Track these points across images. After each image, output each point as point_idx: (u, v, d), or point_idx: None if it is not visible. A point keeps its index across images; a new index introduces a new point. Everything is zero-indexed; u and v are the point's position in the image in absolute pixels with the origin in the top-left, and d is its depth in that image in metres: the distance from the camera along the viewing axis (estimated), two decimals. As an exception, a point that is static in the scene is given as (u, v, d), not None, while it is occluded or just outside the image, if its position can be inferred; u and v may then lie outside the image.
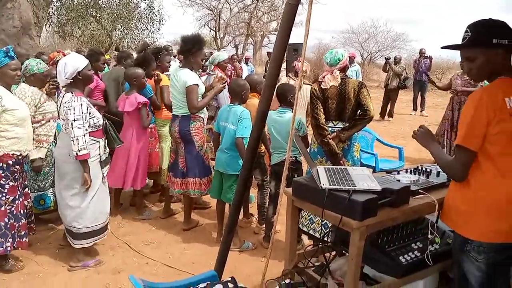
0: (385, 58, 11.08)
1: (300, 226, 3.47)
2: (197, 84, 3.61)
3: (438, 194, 2.03)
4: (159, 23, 19.08)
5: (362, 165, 5.10)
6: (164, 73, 4.48)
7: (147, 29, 18.77)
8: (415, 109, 11.66)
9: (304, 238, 3.60)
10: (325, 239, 2.33)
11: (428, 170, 2.28)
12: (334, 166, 2.23)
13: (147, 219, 4.17)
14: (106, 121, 3.26)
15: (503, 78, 1.75)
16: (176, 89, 3.69)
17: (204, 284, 1.75)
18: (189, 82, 3.57)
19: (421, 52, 11.25)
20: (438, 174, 2.24)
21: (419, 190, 2.02)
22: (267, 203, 3.70)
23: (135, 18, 18.12)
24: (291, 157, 3.27)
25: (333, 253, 2.22)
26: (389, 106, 10.55)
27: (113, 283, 3.05)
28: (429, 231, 2.01)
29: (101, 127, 3.15)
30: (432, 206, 1.94)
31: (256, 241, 3.68)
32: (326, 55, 3.21)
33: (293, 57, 7.97)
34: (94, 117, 3.06)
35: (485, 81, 1.87)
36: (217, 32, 24.68)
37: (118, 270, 3.24)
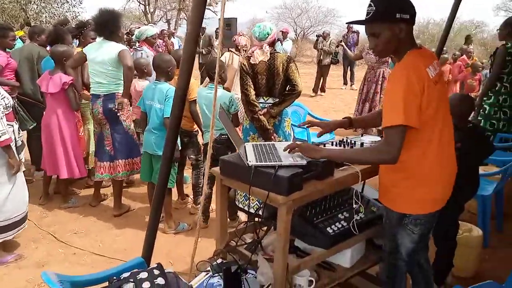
0: (316, 35, 11.27)
1: (237, 203, 3.47)
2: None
3: (360, 165, 2.08)
4: (81, -5, 17.66)
5: (294, 139, 5.21)
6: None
7: (68, 2, 17.28)
8: (345, 83, 12.08)
9: (242, 214, 3.61)
10: (260, 214, 2.32)
11: (353, 142, 2.33)
12: (262, 143, 2.21)
13: (74, 207, 3.92)
14: (13, 101, 2.96)
15: (413, 51, 1.77)
16: (98, 64, 3.45)
17: (128, 273, 1.66)
18: (120, 48, 3.46)
19: (349, 27, 11.57)
20: (362, 145, 2.30)
21: (343, 162, 2.05)
22: (202, 182, 3.64)
23: (52, -10, 16.59)
24: (223, 134, 3.22)
25: (266, 228, 2.24)
26: (321, 81, 10.80)
27: (37, 277, 2.83)
28: (353, 201, 2.08)
29: (11, 109, 2.86)
30: (356, 176, 1.99)
31: (192, 222, 3.62)
32: (255, 29, 3.14)
33: (226, 32, 7.80)
34: (4, 97, 2.77)
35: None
36: (147, 7, 23.51)
37: (42, 264, 3.03)
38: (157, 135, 3.31)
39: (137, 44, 5.15)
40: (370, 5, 1.73)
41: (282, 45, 9.98)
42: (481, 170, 3.40)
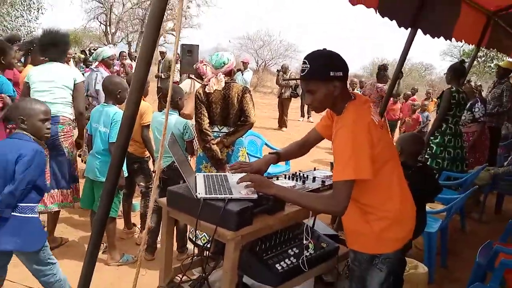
0: (276, 70, 11.53)
1: (188, 234, 3.34)
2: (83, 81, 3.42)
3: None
4: (38, 11, 17.10)
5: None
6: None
7: (22, 16, 16.64)
8: (302, 115, 12.35)
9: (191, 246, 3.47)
10: (209, 247, 2.23)
11: (305, 176, 2.32)
12: (213, 174, 2.14)
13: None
14: None
15: (352, 102, 1.80)
16: (47, 83, 3.29)
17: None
18: (79, 79, 3.35)
19: None
20: (314, 179, 2.30)
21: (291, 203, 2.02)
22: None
23: (7, 3, 15.92)
24: (175, 163, 3.12)
25: (214, 263, 2.14)
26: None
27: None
28: (304, 237, 2.04)
29: None
30: (306, 212, 1.96)
31: (138, 254, 3.43)
32: (212, 57, 3.13)
33: (187, 58, 7.78)
34: None
35: None
36: (108, 27, 23.19)
37: (-37, 298, 2.71)
38: (100, 160, 3.13)
39: (94, 64, 4.99)
40: (304, 62, 1.73)
41: (243, 75, 10.11)
42: (427, 207, 3.51)
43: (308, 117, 12.23)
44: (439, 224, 3.43)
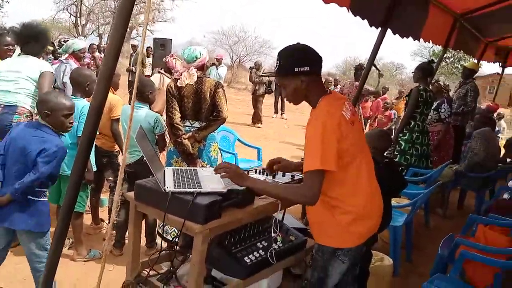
0: (250, 67, 11.52)
1: (158, 229, 3.31)
2: (53, 73, 3.35)
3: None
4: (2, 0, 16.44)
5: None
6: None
7: (-13, 5, 15.99)
8: (276, 112, 12.43)
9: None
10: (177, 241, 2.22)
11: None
12: (183, 168, 2.13)
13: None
14: None
15: (326, 97, 1.85)
16: (12, 73, 3.22)
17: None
18: (46, 69, 3.28)
19: None
20: (284, 174, 2.33)
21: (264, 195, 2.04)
22: (119, 207, 3.42)
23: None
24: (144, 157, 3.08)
25: (182, 257, 2.14)
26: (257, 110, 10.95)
27: None
28: (272, 230, 2.07)
29: None
30: (275, 205, 1.99)
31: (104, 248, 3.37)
32: (184, 51, 3.10)
33: (160, 52, 7.67)
34: None
35: None
36: (79, 19, 22.53)
37: None
38: (68, 153, 3.04)
39: (64, 57, 4.84)
40: (277, 58, 1.82)
41: (217, 69, 10.06)
42: (393, 202, 3.62)
43: (282, 114, 12.32)
44: (404, 218, 3.55)
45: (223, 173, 1.85)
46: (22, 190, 2.25)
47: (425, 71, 4.57)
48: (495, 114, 10.12)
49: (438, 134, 5.41)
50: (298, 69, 1.77)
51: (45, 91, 3.18)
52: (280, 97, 12.13)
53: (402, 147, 4.62)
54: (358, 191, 1.88)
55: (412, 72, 4.76)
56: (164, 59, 4.59)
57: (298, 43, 1.84)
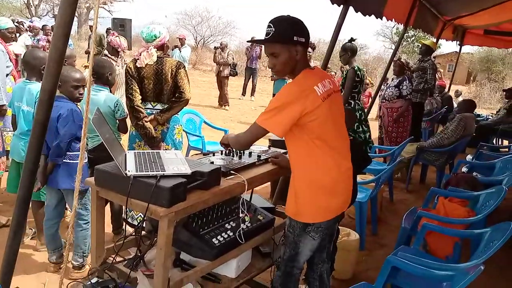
0: (214, 48, 11.28)
1: (123, 215, 3.23)
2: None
3: (249, 174, 2.08)
4: None
5: (189, 148, 5.11)
6: None
7: None
8: (243, 94, 12.34)
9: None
10: (143, 226, 2.17)
11: (241, 151, 2.33)
12: (145, 151, 2.07)
13: None
14: None
15: (306, 70, 1.87)
16: None
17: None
18: None
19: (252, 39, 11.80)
20: (250, 154, 2.31)
21: (230, 171, 2.03)
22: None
23: None
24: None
25: (149, 242, 2.10)
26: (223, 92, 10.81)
27: None
28: (240, 210, 2.06)
29: None
30: (242, 185, 1.97)
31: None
32: (143, 30, 2.97)
33: (119, 33, 7.40)
34: None
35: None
36: (31, -1, 21.30)
37: None
38: (25, 140, 2.89)
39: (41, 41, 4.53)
40: (269, 26, 1.81)
41: (180, 52, 9.81)
42: (358, 178, 3.69)
43: (251, 95, 12.27)
44: (369, 194, 3.64)
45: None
46: (54, 155, 2.55)
47: (353, 50, 4.49)
48: (453, 92, 10.54)
49: (397, 110, 5.53)
50: (297, 39, 1.80)
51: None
52: (250, 79, 12.03)
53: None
54: (322, 166, 1.89)
55: (340, 55, 4.62)
56: (106, 39, 4.37)
57: (289, 15, 1.85)
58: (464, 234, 2.74)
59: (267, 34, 1.82)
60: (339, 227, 2.84)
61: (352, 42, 4.57)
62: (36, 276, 2.79)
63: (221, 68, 10.34)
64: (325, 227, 1.97)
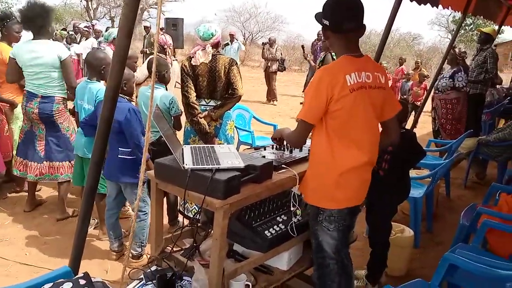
0: (262, 43, 11.24)
1: (179, 207, 3.37)
2: (71, 55, 3.47)
3: (300, 168, 2.10)
4: (14, -13, 16.50)
5: (240, 142, 5.20)
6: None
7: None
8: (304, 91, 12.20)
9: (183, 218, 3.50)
10: (199, 218, 2.26)
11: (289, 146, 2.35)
12: (200, 145, 2.15)
13: (-1, 212, 3.62)
14: None
15: (345, 56, 1.84)
16: (37, 66, 3.28)
17: (51, 284, 1.53)
18: (64, 55, 3.32)
19: (318, 35, 11.42)
20: (301, 149, 2.33)
21: (282, 165, 2.06)
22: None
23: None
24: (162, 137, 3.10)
25: (204, 233, 2.18)
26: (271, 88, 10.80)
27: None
28: (291, 204, 2.08)
29: None
30: (293, 179, 2.00)
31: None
32: (199, 28, 3.06)
33: (172, 32, 7.68)
34: None
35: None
36: (89, 2, 22.51)
37: (-43, 276, 2.74)
38: (88, 138, 3.11)
39: (103, 44, 5.04)
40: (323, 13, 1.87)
41: (232, 45, 9.93)
42: (413, 173, 3.58)
43: (302, 92, 12.10)
44: (424, 190, 3.52)
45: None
46: (136, 152, 2.73)
47: None
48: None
49: (451, 102, 5.27)
50: (323, 22, 1.84)
51: (72, 80, 3.31)
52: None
53: None
54: (340, 158, 1.86)
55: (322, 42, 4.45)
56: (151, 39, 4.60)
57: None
58: (529, 233, 2.58)
59: (323, 21, 1.87)
60: (393, 223, 2.79)
61: None
62: (99, 264, 2.98)
63: (269, 64, 10.37)
64: (338, 216, 1.94)
